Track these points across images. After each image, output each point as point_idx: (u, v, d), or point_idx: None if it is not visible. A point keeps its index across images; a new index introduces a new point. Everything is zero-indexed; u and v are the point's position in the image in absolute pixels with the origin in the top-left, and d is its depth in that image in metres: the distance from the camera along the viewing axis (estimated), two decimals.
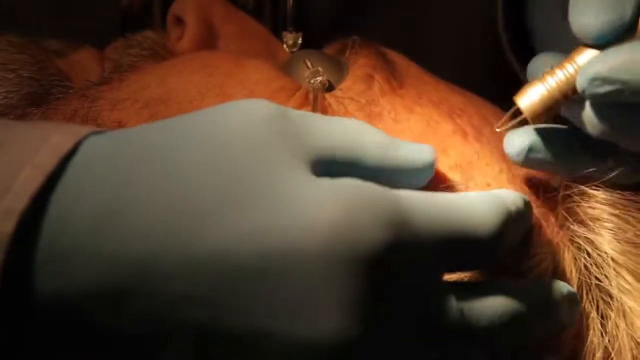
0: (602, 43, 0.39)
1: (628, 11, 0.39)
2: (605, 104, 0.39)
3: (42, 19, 0.57)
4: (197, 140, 0.33)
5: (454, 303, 0.35)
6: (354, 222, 0.31)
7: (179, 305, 0.31)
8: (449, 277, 0.39)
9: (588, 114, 0.40)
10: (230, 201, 0.31)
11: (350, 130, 0.37)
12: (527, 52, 0.41)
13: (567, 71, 0.40)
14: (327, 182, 0.33)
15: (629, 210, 0.45)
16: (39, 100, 0.46)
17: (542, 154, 0.43)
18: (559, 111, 0.42)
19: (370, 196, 0.32)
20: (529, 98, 0.41)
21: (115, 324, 0.31)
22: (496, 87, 0.46)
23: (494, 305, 0.36)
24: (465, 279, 0.40)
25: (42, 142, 0.31)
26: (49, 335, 0.31)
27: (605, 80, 0.38)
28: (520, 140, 0.43)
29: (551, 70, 0.41)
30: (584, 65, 0.39)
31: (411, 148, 0.39)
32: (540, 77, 0.41)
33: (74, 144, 0.32)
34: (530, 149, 0.43)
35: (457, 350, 0.36)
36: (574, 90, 0.40)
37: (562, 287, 0.40)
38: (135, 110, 0.44)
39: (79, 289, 0.30)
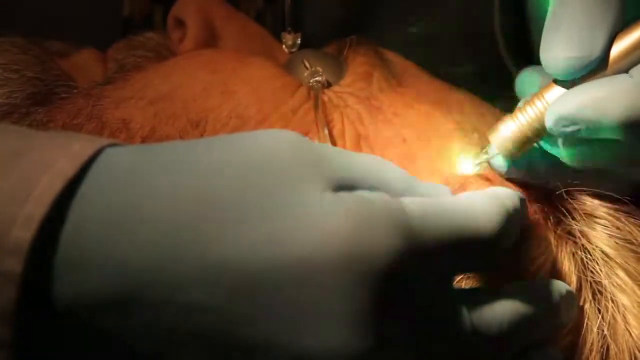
0: (571, 79, 0.39)
1: (598, 47, 0.38)
2: (576, 140, 0.40)
3: (43, 28, 0.57)
4: (217, 155, 0.33)
5: (465, 312, 0.35)
6: (366, 235, 0.31)
7: (190, 314, 0.31)
8: (456, 283, 0.40)
9: (561, 149, 0.41)
10: (246, 212, 0.31)
11: (372, 163, 0.36)
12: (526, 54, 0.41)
13: (537, 108, 0.41)
14: (337, 196, 0.33)
15: (621, 210, 0.46)
16: (43, 99, 0.46)
17: (523, 172, 0.44)
18: (532, 146, 0.42)
19: (379, 208, 0.32)
20: (500, 135, 0.42)
21: (127, 330, 0.31)
22: (494, 87, 0.47)
23: (501, 311, 0.36)
24: (472, 285, 0.41)
25: (63, 149, 0.31)
26: (63, 340, 0.31)
27: (570, 120, 0.38)
28: (500, 160, 0.44)
29: (522, 106, 0.41)
30: (551, 104, 0.40)
31: (429, 185, 0.38)
32: (512, 113, 0.42)
33: (94, 152, 0.32)
34: (511, 167, 0.44)
35: (469, 357, 0.36)
36: (544, 127, 0.40)
37: (561, 286, 0.40)
38: (139, 107, 0.44)
39: (92, 295, 0.30)
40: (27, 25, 0.60)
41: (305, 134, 0.44)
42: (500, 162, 0.44)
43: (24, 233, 0.29)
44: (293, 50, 0.52)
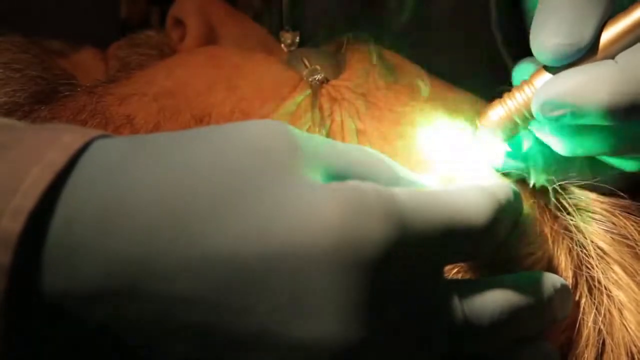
0: (561, 65, 0.39)
1: (588, 32, 0.38)
2: (562, 126, 0.40)
3: (41, 29, 0.57)
4: (206, 147, 0.33)
5: (456, 301, 0.35)
6: (356, 224, 0.31)
7: (180, 306, 0.31)
8: (447, 273, 0.40)
9: (548, 135, 0.41)
10: (235, 204, 0.31)
11: (364, 154, 0.36)
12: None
13: (525, 94, 0.41)
14: (328, 186, 0.33)
15: (617, 205, 0.46)
16: (46, 98, 0.46)
17: (518, 165, 0.44)
18: (519, 131, 0.43)
19: (371, 198, 0.32)
20: (489, 120, 0.42)
21: (117, 322, 0.31)
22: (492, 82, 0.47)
23: (493, 302, 0.36)
24: (463, 276, 0.41)
25: (52, 141, 0.31)
26: (53, 332, 0.31)
27: (555, 105, 0.39)
28: (496, 152, 0.44)
29: (511, 92, 0.42)
30: (538, 89, 0.40)
31: (420, 177, 0.39)
32: (501, 99, 0.42)
33: (84, 144, 0.32)
34: (506, 161, 0.44)
35: (461, 348, 0.36)
36: (531, 113, 0.41)
37: (555, 279, 0.40)
38: (143, 104, 0.44)
39: (82, 287, 0.30)
40: (25, 26, 0.60)
41: (308, 127, 0.44)
42: (494, 155, 0.44)
43: (13, 224, 0.29)
44: (292, 48, 0.53)
